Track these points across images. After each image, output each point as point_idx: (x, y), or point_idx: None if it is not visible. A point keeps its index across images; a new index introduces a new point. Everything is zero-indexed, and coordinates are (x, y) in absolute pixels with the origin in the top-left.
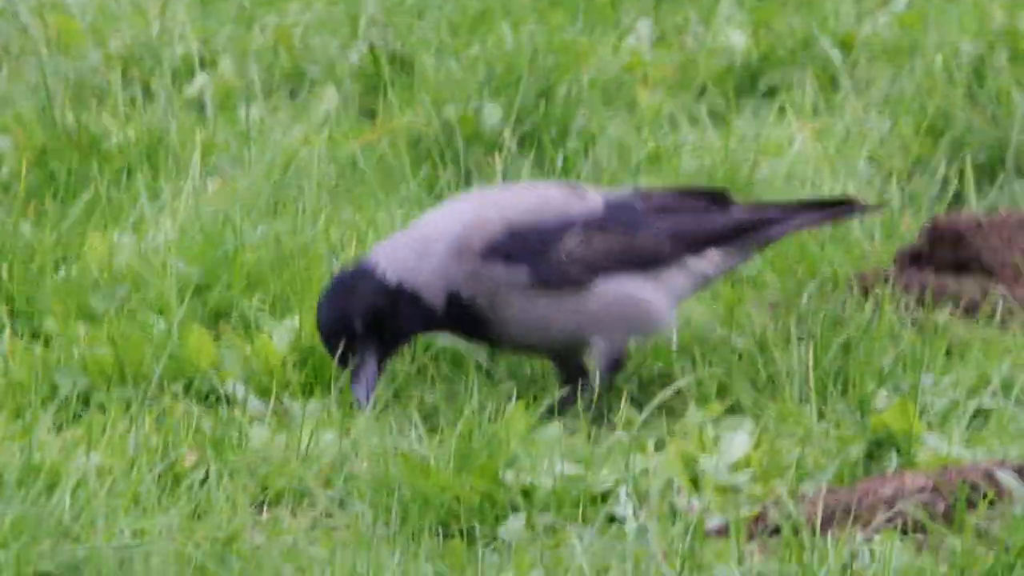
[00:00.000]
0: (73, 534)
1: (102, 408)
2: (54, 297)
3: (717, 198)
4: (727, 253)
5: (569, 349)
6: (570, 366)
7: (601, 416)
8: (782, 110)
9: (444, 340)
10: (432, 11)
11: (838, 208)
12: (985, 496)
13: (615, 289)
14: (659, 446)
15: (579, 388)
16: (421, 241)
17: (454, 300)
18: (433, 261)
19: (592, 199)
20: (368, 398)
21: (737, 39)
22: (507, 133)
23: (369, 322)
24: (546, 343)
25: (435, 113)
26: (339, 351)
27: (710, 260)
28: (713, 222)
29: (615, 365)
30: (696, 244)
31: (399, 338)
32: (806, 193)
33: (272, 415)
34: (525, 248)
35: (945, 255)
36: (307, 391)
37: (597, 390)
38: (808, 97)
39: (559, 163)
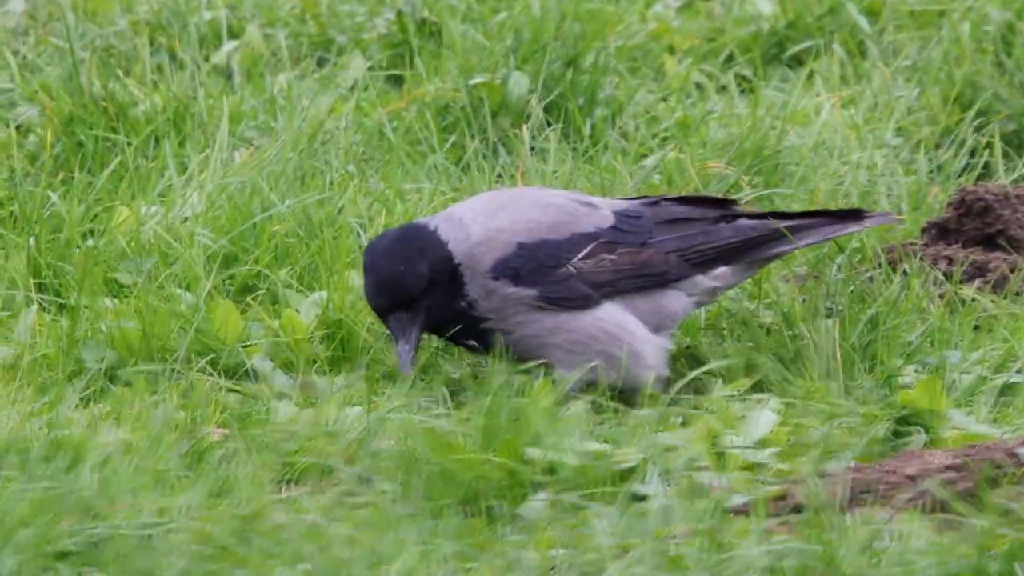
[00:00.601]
0: (95, 512)
1: (128, 383)
2: (81, 270)
3: (725, 205)
4: (736, 270)
5: (563, 362)
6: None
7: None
8: (810, 78)
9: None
10: None
11: (847, 219)
12: (1008, 475)
13: (612, 319)
14: (685, 423)
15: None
16: (464, 233)
17: (472, 305)
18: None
19: (602, 211)
20: (412, 363)
21: (764, 6)
22: (534, 102)
23: (426, 288)
24: (546, 356)
25: (462, 81)
26: (390, 312)
27: (719, 277)
28: (722, 237)
29: (564, 390)
30: (705, 262)
31: (437, 315)
32: (832, 164)
33: (298, 390)
34: (533, 267)
35: (973, 227)
36: (334, 366)
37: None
38: (836, 65)
39: (587, 132)
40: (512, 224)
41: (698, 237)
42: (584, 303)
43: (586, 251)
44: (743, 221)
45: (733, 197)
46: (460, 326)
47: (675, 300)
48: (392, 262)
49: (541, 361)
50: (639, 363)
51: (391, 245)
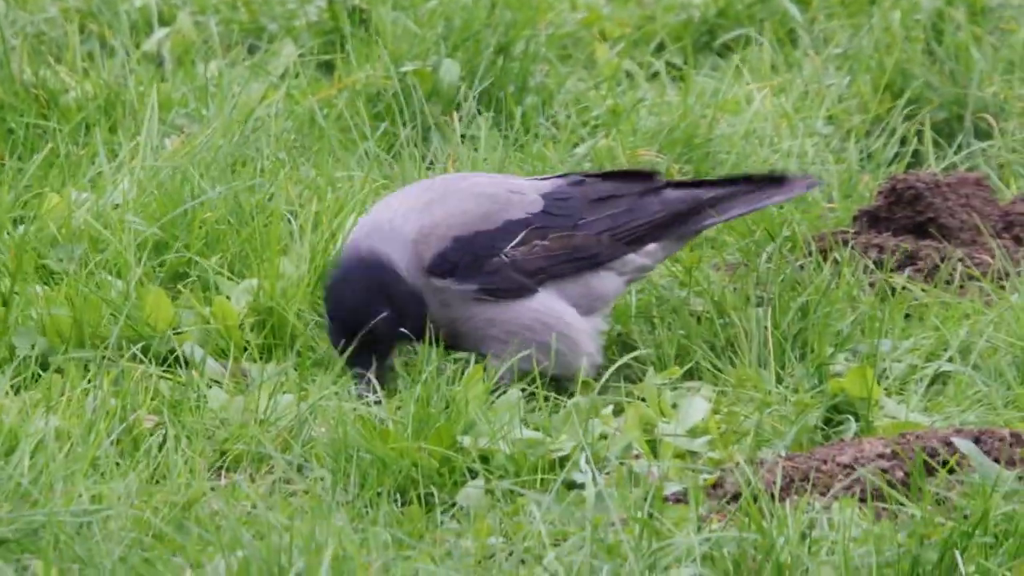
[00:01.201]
0: (31, 499)
1: (60, 370)
2: (11, 256)
3: (647, 179)
4: (665, 245)
5: (499, 351)
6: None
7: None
8: (740, 67)
9: None
10: None
11: (772, 184)
12: (944, 463)
13: (546, 309)
14: (617, 411)
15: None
16: (403, 239)
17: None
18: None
19: (530, 194)
20: (372, 395)
21: None
22: (465, 89)
23: (391, 320)
24: (475, 347)
25: (394, 69)
26: (349, 346)
27: (649, 254)
28: (650, 212)
29: (500, 376)
30: (636, 239)
31: (401, 338)
32: (763, 152)
33: (230, 377)
34: (469, 259)
35: (904, 216)
36: (265, 353)
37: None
38: (766, 54)
39: (518, 120)
40: (446, 217)
41: (627, 215)
42: (519, 293)
43: (519, 238)
44: (669, 192)
45: (654, 169)
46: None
47: (606, 281)
48: (349, 301)
49: (474, 351)
50: (575, 350)
51: (343, 279)
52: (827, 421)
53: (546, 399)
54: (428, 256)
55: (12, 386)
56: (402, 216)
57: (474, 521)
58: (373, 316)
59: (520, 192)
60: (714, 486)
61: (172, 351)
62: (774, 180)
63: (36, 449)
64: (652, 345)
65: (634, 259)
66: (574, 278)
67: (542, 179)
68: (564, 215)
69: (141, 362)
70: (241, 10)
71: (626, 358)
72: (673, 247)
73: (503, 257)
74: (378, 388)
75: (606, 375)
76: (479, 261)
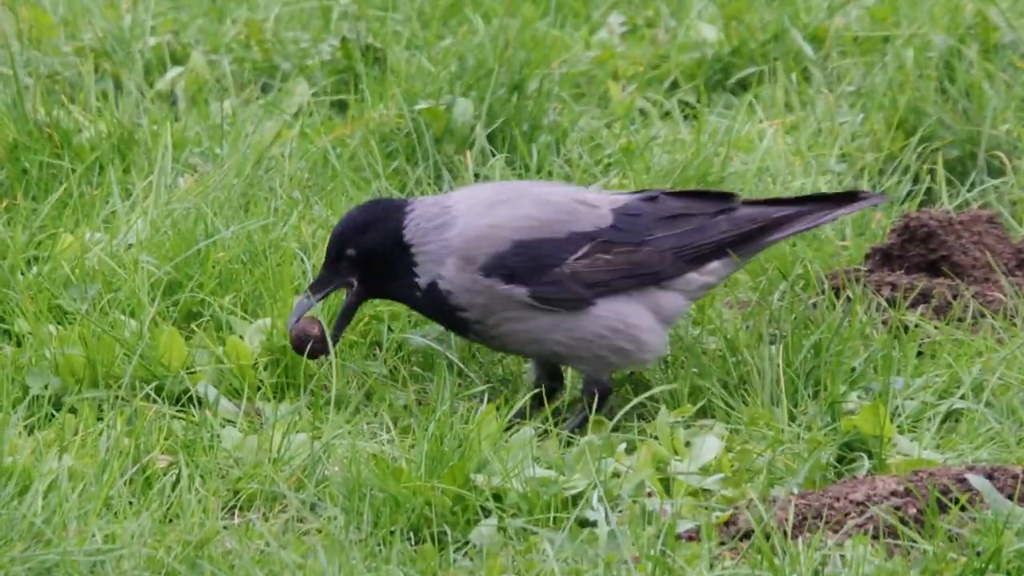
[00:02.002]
0: (45, 538)
1: (73, 410)
2: (26, 296)
3: (725, 199)
4: (727, 263)
5: (559, 359)
6: (551, 369)
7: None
8: (753, 104)
9: (415, 341)
10: (404, 3)
11: (843, 202)
12: (956, 500)
13: (613, 315)
14: (630, 449)
15: (579, 417)
16: (444, 219)
17: (433, 291)
18: (438, 247)
19: (601, 208)
20: (296, 320)
21: (708, 33)
22: (479, 128)
23: (365, 257)
24: (536, 354)
25: (407, 107)
26: (329, 256)
27: (712, 272)
28: (718, 231)
29: (604, 394)
30: (700, 258)
31: (377, 289)
32: (777, 189)
33: (244, 417)
34: (528, 265)
35: (916, 253)
36: (279, 392)
37: (590, 418)
38: (780, 91)
39: (531, 159)
40: (510, 220)
41: (695, 234)
42: (576, 304)
43: (583, 251)
44: (742, 211)
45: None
46: (430, 311)
47: (669, 297)
48: (346, 221)
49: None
50: (644, 349)
51: (359, 210)
52: (840, 459)
53: (558, 437)
54: (484, 256)
55: (26, 426)
56: (467, 207)
57: (487, 559)
58: (362, 245)
59: (591, 205)
60: (727, 524)
61: (186, 391)
62: (848, 197)
63: (49, 488)
64: (665, 383)
65: (696, 278)
66: (639, 292)
67: (615, 194)
68: (632, 231)
69: (155, 402)
70: (254, 49)
71: (640, 397)
72: (735, 264)
73: (564, 268)
74: (297, 317)
75: (619, 414)
76: (540, 268)
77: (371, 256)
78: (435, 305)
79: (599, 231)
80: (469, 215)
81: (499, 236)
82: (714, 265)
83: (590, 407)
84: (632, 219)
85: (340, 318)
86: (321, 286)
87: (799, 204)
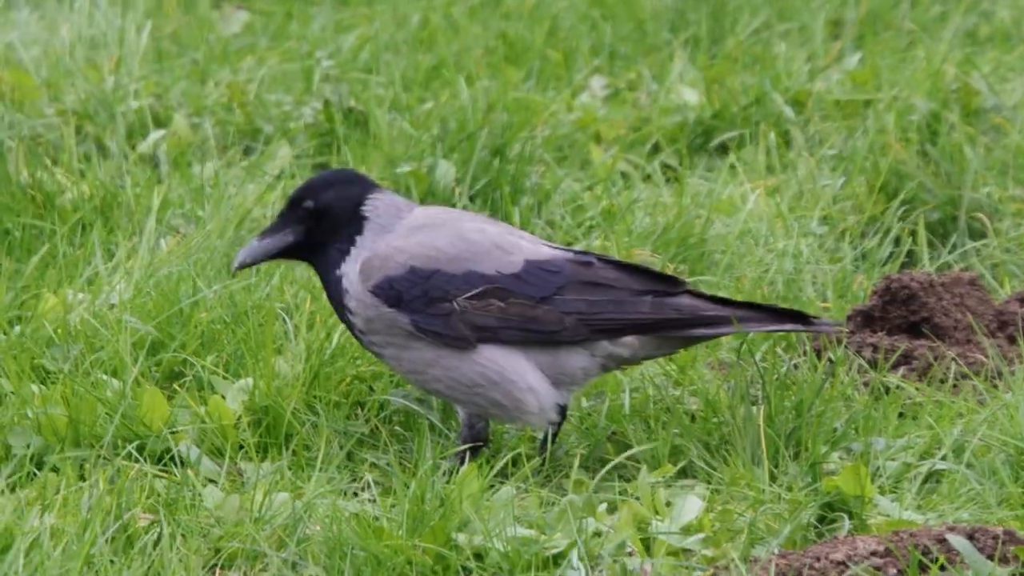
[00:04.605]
0: None
1: (55, 469)
2: (8, 356)
3: (666, 282)
4: (648, 342)
5: (440, 396)
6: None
7: (552, 479)
8: (735, 167)
9: (397, 401)
10: (386, 66)
11: (791, 320)
12: (936, 560)
13: (493, 365)
14: (611, 509)
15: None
16: (393, 222)
17: (338, 283)
18: (372, 239)
19: (513, 256)
20: (247, 261)
21: (690, 96)
22: (461, 190)
23: (319, 211)
24: (420, 387)
25: (389, 170)
26: (287, 204)
27: (627, 346)
28: (637, 311)
29: (476, 441)
30: (612, 330)
31: (311, 249)
32: (759, 252)
33: (226, 476)
34: (415, 294)
35: (898, 315)
36: (261, 451)
37: (464, 459)
38: (761, 154)
39: (514, 220)
40: (415, 246)
41: (608, 305)
42: (460, 343)
43: (476, 291)
44: (678, 299)
45: (682, 278)
46: (332, 302)
47: (575, 358)
48: (319, 176)
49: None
50: (521, 409)
51: (333, 171)
52: (821, 519)
53: (539, 498)
54: (378, 276)
55: (8, 485)
56: (403, 224)
57: None
58: (322, 199)
59: (506, 250)
60: None
61: (168, 450)
62: (800, 317)
63: (31, 547)
64: (646, 443)
65: (607, 347)
66: (539, 347)
67: (551, 247)
68: (537, 285)
69: (137, 461)
70: (237, 112)
71: (621, 457)
72: (661, 348)
73: (454, 304)
74: (245, 260)
75: (600, 473)
76: (429, 300)
77: (325, 213)
78: (335, 296)
79: (499, 276)
80: (399, 230)
81: (398, 259)
82: (629, 340)
83: (460, 456)
84: (544, 275)
85: (264, 253)
86: (271, 231)
87: (748, 309)
